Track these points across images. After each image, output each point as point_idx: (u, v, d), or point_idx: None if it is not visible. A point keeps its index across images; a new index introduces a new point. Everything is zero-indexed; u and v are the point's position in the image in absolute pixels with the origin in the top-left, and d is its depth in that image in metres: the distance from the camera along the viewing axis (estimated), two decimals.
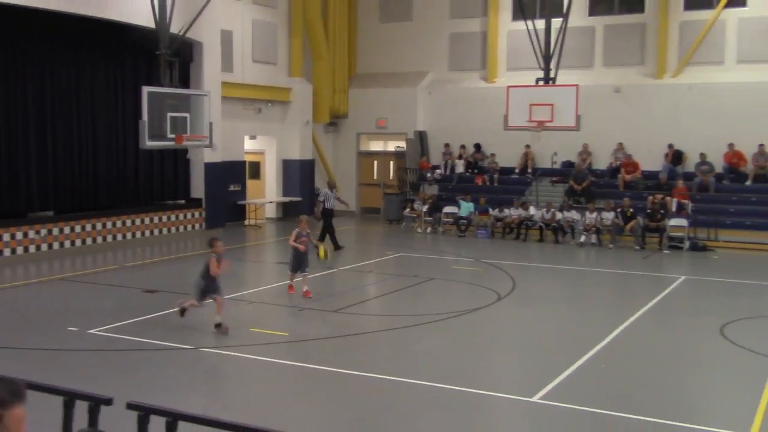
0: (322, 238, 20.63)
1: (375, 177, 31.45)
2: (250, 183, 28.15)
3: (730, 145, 25.52)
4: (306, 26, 29.13)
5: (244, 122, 27.21)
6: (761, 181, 24.91)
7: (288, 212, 28.71)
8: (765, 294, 16.56)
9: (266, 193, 29.11)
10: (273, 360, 11.02)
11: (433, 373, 10.41)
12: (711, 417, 9.25)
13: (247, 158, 28.00)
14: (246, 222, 27.03)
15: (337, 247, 20.97)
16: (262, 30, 27.66)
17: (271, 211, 29.04)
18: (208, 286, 12.16)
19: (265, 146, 29.09)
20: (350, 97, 31.30)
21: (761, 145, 25.03)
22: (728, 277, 18.59)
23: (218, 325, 12.06)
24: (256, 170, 28.91)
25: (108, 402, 5.10)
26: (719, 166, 25.70)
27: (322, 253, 17.94)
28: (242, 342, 11.79)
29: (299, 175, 29.29)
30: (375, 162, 31.81)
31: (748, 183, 25.12)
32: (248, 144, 28.15)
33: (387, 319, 13.74)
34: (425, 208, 26.30)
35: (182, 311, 12.50)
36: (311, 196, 29.54)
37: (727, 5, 26.05)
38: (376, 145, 32.04)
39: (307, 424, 8.81)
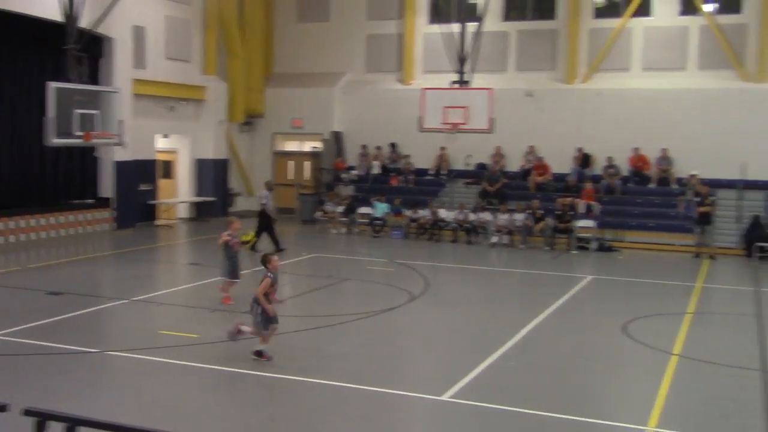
0: (257, 236, 20.81)
1: (290, 177, 31.30)
2: (162, 182, 27.60)
3: (636, 150, 26.40)
4: (221, 24, 28.76)
5: (156, 120, 26.66)
6: (664, 184, 25.86)
7: (202, 212, 28.29)
8: (666, 293, 17.18)
9: (179, 193, 28.60)
10: (182, 363, 10.81)
11: (345, 374, 10.41)
12: (613, 411, 9.53)
13: (159, 157, 27.45)
14: (157, 222, 26.48)
15: (278, 248, 20.70)
16: (176, 27, 27.16)
17: (184, 211, 28.53)
18: (262, 315, 10.50)
19: (178, 145, 28.56)
20: (266, 97, 31.04)
21: (664, 150, 25.98)
22: (632, 277, 19.22)
23: (259, 353, 10.65)
24: (168, 169, 28.37)
25: (2, 408, 4.94)
26: (625, 169, 26.57)
27: (248, 237, 17.48)
28: (151, 345, 11.55)
29: (213, 175, 28.94)
30: (290, 162, 31.65)
31: (652, 186, 26.05)
32: (161, 143, 27.58)
33: (300, 320, 13.67)
34: (341, 209, 26.33)
35: (237, 333, 10.84)
36: (225, 196, 29.28)
37: (634, 14, 26.93)
38: (292, 146, 31.87)
39: (217, 425, 8.68)
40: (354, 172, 29.31)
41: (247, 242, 18.73)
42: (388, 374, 10.67)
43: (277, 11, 31.70)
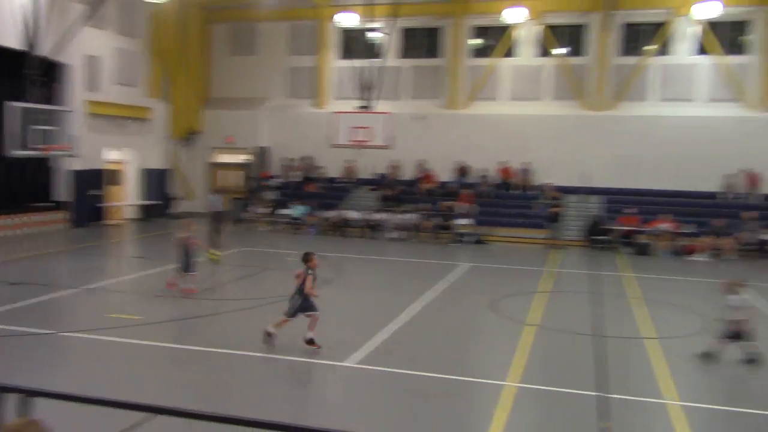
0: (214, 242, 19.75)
1: (224, 184, 30.69)
2: (112, 188, 26.62)
3: (503, 163, 27.09)
4: (164, 55, 27.98)
5: (108, 136, 25.67)
6: (525, 190, 26.59)
7: (148, 214, 27.43)
8: (525, 276, 17.68)
9: (127, 197, 27.65)
10: (127, 341, 10.49)
11: (267, 347, 10.32)
12: (480, 371, 9.77)
13: (110, 167, 26.48)
14: (107, 222, 25.53)
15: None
16: (125, 57, 26.26)
17: (131, 213, 27.60)
18: (305, 304, 10.10)
19: (127, 157, 27.57)
20: (205, 117, 30.37)
21: (525, 163, 26.73)
22: (500, 264, 19.71)
23: (310, 342, 10.06)
24: (117, 177, 27.38)
25: None
26: (495, 178, 27.21)
27: (214, 257, 16.66)
28: (100, 326, 11.16)
29: (157, 182, 28.15)
30: (224, 172, 31.05)
31: (516, 191, 26.75)
32: (112, 155, 26.61)
33: (232, 303, 13.47)
34: (266, 211, 26.04)
35: (268, 335, 10.15)
36: (167, 200, 28.52)
37: (503, 55, 27.63)
38: (226, 158, 31.23)
39: (158, 395, 8.47)
40: (277, 180, 29.02)
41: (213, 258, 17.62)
42: (302, 346, 10.62)
43: (213, 46, 31.07)
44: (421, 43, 28.99)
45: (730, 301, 9.84)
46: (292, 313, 10.12)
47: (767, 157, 24.49)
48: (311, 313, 10.08)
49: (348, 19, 26.19)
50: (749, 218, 21.97)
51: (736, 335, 9.75)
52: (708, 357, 9.95)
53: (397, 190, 26.72)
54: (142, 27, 27.24)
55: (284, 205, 26.55)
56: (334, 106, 28.04)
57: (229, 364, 9.68)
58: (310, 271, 10.05)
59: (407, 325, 12.01)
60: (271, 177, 29.14)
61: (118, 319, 11.64)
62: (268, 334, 10.10)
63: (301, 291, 10.02)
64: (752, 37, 25.42)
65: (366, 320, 12.51)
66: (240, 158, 30.61)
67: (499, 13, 26.86)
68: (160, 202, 27.72)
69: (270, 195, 27.92)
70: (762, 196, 24.45)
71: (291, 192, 28.03)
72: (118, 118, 26.13)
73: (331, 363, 9.70)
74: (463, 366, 9.87)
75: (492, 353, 10.81)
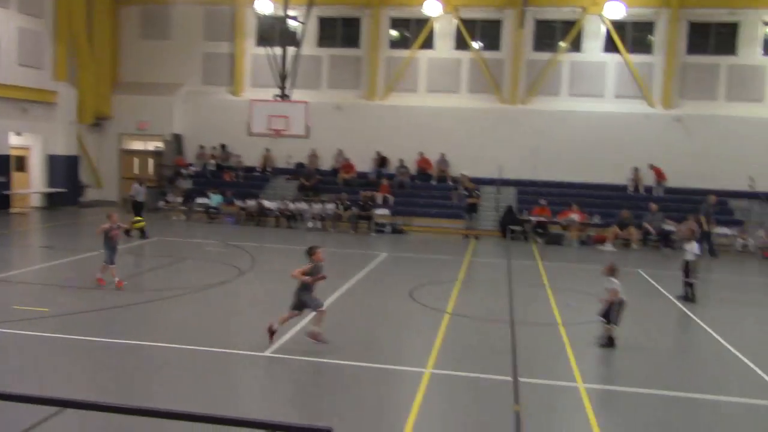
0: (142, 233, 19.53)
1: (135, 172, 29.72)
2: (16, 175, 25.30)
3: (421, 154, 27.46)
4: (71, 36, 26.74)
5: (10, 120, 24.41)
6: (442, 180, 27.09)
7: (54, 202, 26.23)
8: (443, 265, 17.99)
9: (32, 185, 26.34)
10: (34, 333, 10.05)
11: (183, 337, 10.13)
12: (401, 358, 9.93)
13: (13, 153, 25.15)
14: (12, 210, 24.26)
15: (143, 236, 19.53)
16: (28, 37, 24.93)
17: (37, 201, 26.33)
18: (310, 299, 9.78)
19: (31, 142, 26.27)
20: (114, 102, 29.26)
21: (442, 154, 27.21)
22: (418, 253, 20.01)
23: (315, 335, 9.75)
24: (21, 164, 26.04)
25: None
26: (413, 169, 27.56)
27: (138, 225, 15.76)
28: (5, 319, 10.63)
29: (65, 169, 26.89)
30: (136, 159, 30.06)
31: (433, 182, 27.20)
32: (14, 140, 25.26)
33: (145, 294, 13.10)
34: (179, 200, 25.42)
35: (272, 332, 9.79)
36: (75, 188, 27.36)
37: (421, 47, 27.94)
38: (137, 145, 30.26)
39: (65, 386, 8.17)
40: (192, 168, 28.35)
41: (139, 228, 17.08)
42: (220, 337, 10.49)
43: (123, 28, 29.94)
44: (339, 32, 28.93)
45: (607, 283, 10.43)
46: (297, 307, 9.81)
47: (670, 151, 25.90)
48: (320, 308, 9.80)
49: (264, 6, 25.78)
50: (654, 210, 23.18)
51: (605, 315, 10.37)
52: (601, 339, 10.49)
53: (315, 180, 26.63)
54: (47, 6, 25.92)
55: (200, 194, 25.98)
56: (251, 93, 27.66)
57: (145, 355, 9.43)
58: (313, 264, 9.78)
59: (327, 314, 11.99)
60: (186, 165, 28.45)
61: (25, 311, 11.12)
62: (272, 331, 9.76)
63: (306, 286, 9.72)
64: (656, 38, 26.75)
65: (284, 309, 12.41)
66: (153, 145, 29.72)
67: (417, 5, 27.15)
68: (66, 190, 26.53)
69: (185, 184, 27.26)
70: (667, 188, 25.85)
71: (207, 181, 27.47)
72: (22, 101, 24.83)
73: (250, 353, 9.61)
74: (383, 354, 9.99)
75: (411, 341, 10.99)
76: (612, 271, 10.46)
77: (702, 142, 25.84)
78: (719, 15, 26.21)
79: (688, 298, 13.99)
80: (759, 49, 26.19)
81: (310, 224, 24.05)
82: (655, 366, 10.04)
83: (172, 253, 17.52)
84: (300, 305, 9.82)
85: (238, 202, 25.08)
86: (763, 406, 8.43)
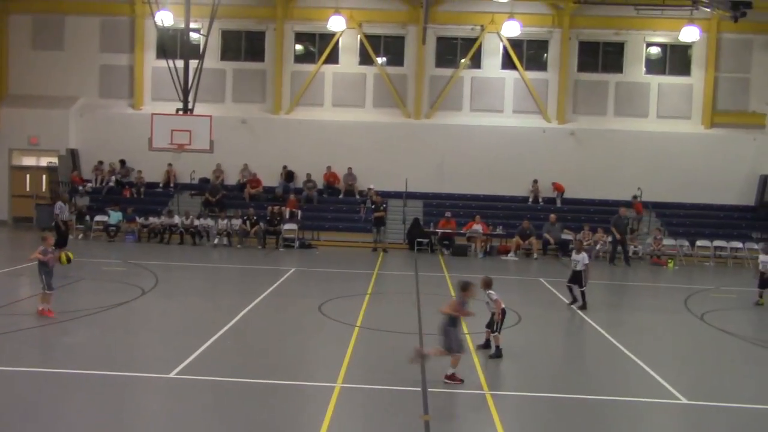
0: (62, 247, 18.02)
1: (28, 189, 28.17)
2: None
3: (328, 168, 27.49)
4: None
5: None
6: (350, 194, 27.19)
7: None
8: (352, 278, 18.00)
9: None
10: None
11: (82, 362, 9.65)
12: (310, 373, 9.83)
13: None
14: None
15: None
16: None
17: None
18: (455, 339, 9.28)
19: None
20: (2, 116, 27.65)
21: (350, 168, 27.34)
22: (326, 267, 19.96)
23: (453, 378, 9.23)
24: None
25: None
26: (320, 183, 27.53)
27: (64, 258, 14.56)
28: None
29: None
30: (27, 175, 28.48)
31: (341, 196, 27.27)
32: None
33: (38, 317, 12.37)
34: (73, 218, 24.26)
35: (421, 356, 9.47)
36: None
37: (326, 62, 28.03)
38: (29, 160, 28.67)
39: None
40: (90, 185, 27.17)
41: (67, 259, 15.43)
42: (121, 359, 10.06)
43: (11, 38, 28.39)
44: (243, 46, 28.61)
45: (485, 297, 10.77)
46: (453, 348, 9.27)
47: (566, 164, 27.13)
48: (462, 353, 9.39)
49: (164, 18, 25.13)
50: (553, 220, 24.16)
51: (490, 325, 10.75)
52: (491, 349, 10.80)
53: (220, 195, 26.11)
54: None
55: (99, 212, 24.91)
56: (152, 107, 26.81)
57: (42, 382, 8.91)
58: (465, 300, 9.49)
59: (234, 332, 11.79)
60: (83, 181, 27.24)
61: None
62: (421, 355, 9.46)
63: (454, 322, 9.33)
64: (550, 55, 28.01)
65: (190, 329, 12.09)
66: (47, 161, 28.26)
67: (322, 20, 27.27)
68: None
69: (82, 201, 26.07)
70: (564, 199, 27.03)
71: (105, 197, 26.39)
72: None
73: (153, 375, 9.27)
74: (292, 370, 9.87)
75: (321, 356, 10.92)
76: (488, 285, 10.77)
77: (594, 155, 27.22)
78: (606, 35, 27.78)
79: (580, 304, 14.53)
80: (643, 68, 27.92)
81: (216, 241, 23.53)
82: (556, 370, 10.44)
83: (68, 274, 16.66)
84: (450, 346, 9.30)
85: (140, 220, 24.23)
86: (657, 404, 8.92)
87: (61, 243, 18.42)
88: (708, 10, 25.70)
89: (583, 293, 14.52)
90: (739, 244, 24.23)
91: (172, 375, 9.20)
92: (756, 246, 23.66)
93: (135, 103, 28.27)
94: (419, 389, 8.97)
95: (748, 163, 27.26)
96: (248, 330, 12.09)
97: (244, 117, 27.72)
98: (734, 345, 12.37)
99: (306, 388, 9.09)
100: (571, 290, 14.72)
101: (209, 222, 24.21)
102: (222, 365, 9.89)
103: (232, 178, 27.69)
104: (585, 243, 23.67)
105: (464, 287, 9.57)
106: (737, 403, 9.03)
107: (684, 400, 9.01)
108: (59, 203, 19.81)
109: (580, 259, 14.49)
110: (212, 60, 27.26)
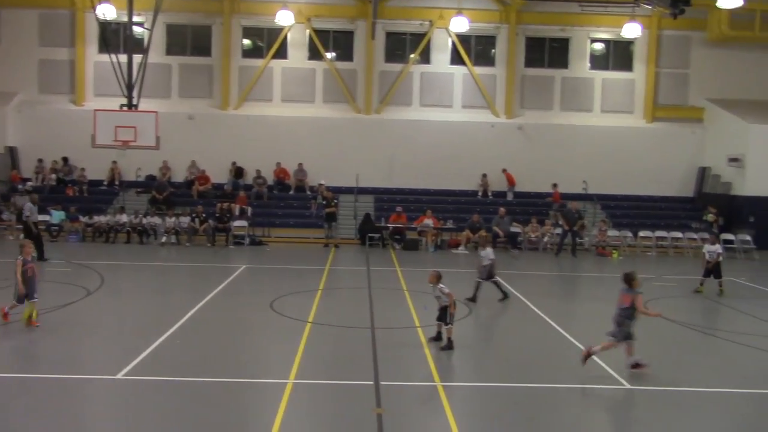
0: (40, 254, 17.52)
1: None
2: None
3: (278, 164, 27.29)
4: None
5: None
6: (301, 190, 27.06)
7: None
8: (304, 275, 17.96)
9: None
10: None
11: (25, 365, 9.37)
12: (262, 371, 9.77)
13: None
14: None
15: (41, 257, 17.72)
16: None
17: None
18: (630, 330, 9.49)
19: None
20: None
21: (300, 164, 27.20)
22: (278, 264, 19.83)
23: (636, 365, 9.58)
24: None
25: None
26: (271, 179, 27.31)
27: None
28: None
29: None
30: None
31: (292, 192, 27.10)
32: None
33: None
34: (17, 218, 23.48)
35: (587, 356, 9.64)
36: None
37: (274, 57, 27.78)
38: None
39: None
40: (30, 183, 26.30)
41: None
42: (66, 362, 9.80)
43: None
44: (189, 40, 28.13)
45: (436, 291, 10.88)
46: (623, 338, 9.54)
47: (515, 158, 27.53)
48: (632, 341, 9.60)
49: (107, 11, 24.48)
50: (503, 214, 24.50)
51: (441, 318, 10.90)
52: (437, 339, 10.93)
53: (168, 193, 25.65)
54: None
55: (40, 211, 24.09)
56: (95, 103, 26.22)
57: None
58: (638, 291, 9.52)
59: (183, 331, 11.61)
60: (23, 180, 26.37)
61: None
62: (588, 356, 9.64)
63: (632, 314, 9.47)
64: (497, 51, 28.37)
65: (137, 329, 11.85)
66: None
67: (269, 14, 27.01)
68: None
69: (22, 200, 25.18)
70: (515, 193, 27.44)
71: (46, 196, 25.58)
72: None
73: (99, 377, 9.07)
74: (243, 368, 9.79)
75: (273, 353, 10.85)
76: (438, 279, 10.87)
77: (541, 149, 27.72)
78: (552, 31, 28.29)
79: (501, 297, 14.59)
80: (587, 63, 28.53)
81: (163, 239, 23.10)
82: (506, 360, 10.60)
83: (9, 276, 16.10)
84: (626, 335, 9.53)
85: (84, 219, 23.60)
86: (603, 390, 9.17)
87: (38, 249, 17.70)
88: (649, 7, 26.43)
89: (496, 283, 14.53)
90: (680, 234, 25.03)
91: (119, 376, 9.02)
92: (695, 236, 24.53)
93: (77, 98, 27.52)
94: (371, 383, 9.00)
95: (687, 156, 28.17)
96: (198, 329, 11.92)
97: (191, 113, 27.28)
98: (675, 331, 12.79)
99: (258, 386, 9.02)
100: (477, 287, 14.40)
101: (156, 220, 23.75)
102: (171, 365, 9.73)
103: (179, 175, 27.23)
104: (533, 236, 24.17)
105: (629, 278, 9.62)
106: (678, 386, 9.34)
107: (628, 386, 9.28)
108: (28, 204, 19.06)
109: (485, 254, 14.42)
110: (157, 54, 26.72)
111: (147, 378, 9.04)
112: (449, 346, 10.69)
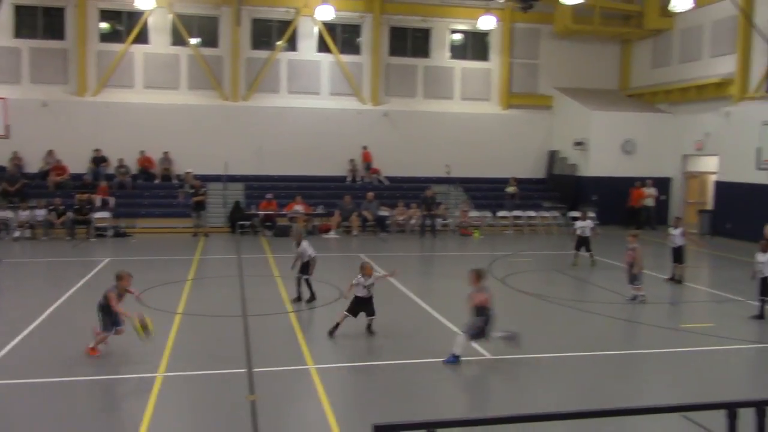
0: None
1: None
2: None
3: (142, 152, 26.03)
4: None
5: None
6: (166, 179, 25.99)
7: None
8: (172, 266, 17.30)
9: None
10: None
11: None
12: (130, 366, 9.30)
13: None
14: None
15: None
16: None
17: None
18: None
19: None
20: None
21: (166, 152, 26.10)
22: (144, 256, 18.98)
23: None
24: None
25: None
26: (134, 168, 26.01)
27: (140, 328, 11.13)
28: None
29: None
30: None
31: (157, 181, 25.97)
32: None
33: None
34: None
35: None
36: None
37: (135, 41, 26.36)
38: None
39: None
40: None
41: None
42: None
43: None
44: (40, 23, 26.06)
45: (357, 280, 10.87)
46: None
47: (381, 144, 27.92)
48: None
49: None
50: (371, 198, 24.82)
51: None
52: (336, 328, 10.95)
53: (20, 184, 23.76)
54: None
55: None
56: None
57: None
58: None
59: (43, 329, 10.87)
60: None
61: None
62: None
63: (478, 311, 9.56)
64: (363, 40, 28.56)
65: None
66: None
67: None
68: None
69: None
70: (381, 178, 27.82)
71: None
72: None
73: None
74: (109, 364, 9.32)
75: (141, 347, 10.37)
76: (366, 269, 10.70)
77: (406, 135, 28.30)
78: (414, 21, 28.85)
79: (309, 297, 13.27)
80: (447, 53, 29.40)
81: (17, 233, 21.40)
82: (375, 339, 10.80)
83: None
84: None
85: None
86: (467, 361, 9.58)
87: None
88: (502, 0, 27.61)
89: (308, 281, 13.06)
90: (533, 213, 26.54)
91: None
92: (546, 214, 26.13)
93: None
94: (244, 370, 8.87)
95: (538, 141, 29.84)
96: (59, 326, 11.21)
97: (45, 99, 25.34)
98: (532, 303, 13.58)
99: (125, 382, 8.64)
100: (299, 283, 13.09)
101: (8, 214, 21.96)
102: (31, 365, 9.10)
103: (33, 166, 25.26)
104: (400, 219, 24.70)
105: (479, 275, 9.74)
106: (536, 353, 9.94)
107: (489, 356, 9.76)
108: None
109: (302, 250, 12.96)
110: (5, 37, 24.60)
111: (4, 382, 8.39)
112: (333, 330, 10.60)
